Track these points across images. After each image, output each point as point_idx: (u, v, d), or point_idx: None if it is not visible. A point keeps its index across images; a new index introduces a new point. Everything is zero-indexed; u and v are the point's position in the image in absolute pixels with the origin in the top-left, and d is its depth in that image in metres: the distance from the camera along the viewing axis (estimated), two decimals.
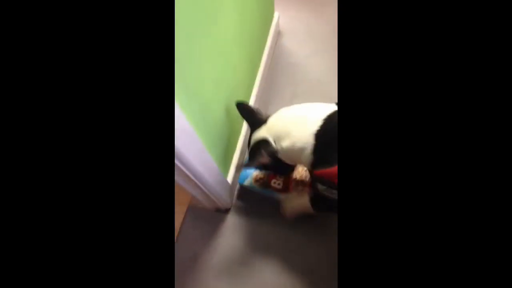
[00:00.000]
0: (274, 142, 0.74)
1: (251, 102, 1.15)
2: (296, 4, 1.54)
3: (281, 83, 1.30)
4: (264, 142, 0.75)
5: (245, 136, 1.12)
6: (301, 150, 0.68)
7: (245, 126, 1.11)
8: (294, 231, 1.01)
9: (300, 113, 0.72)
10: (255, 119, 0.80)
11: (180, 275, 1.00)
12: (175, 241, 1.06)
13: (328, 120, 0.66)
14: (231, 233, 1.06)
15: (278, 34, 1.41)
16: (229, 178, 1.00)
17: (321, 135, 0.66)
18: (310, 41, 1.41)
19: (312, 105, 0.73)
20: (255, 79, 1.18)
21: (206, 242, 1.05)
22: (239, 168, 1.04)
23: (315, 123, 0.67)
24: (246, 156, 0.93)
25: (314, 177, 0.70)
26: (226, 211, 1.08)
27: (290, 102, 1.25)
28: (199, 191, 0.78)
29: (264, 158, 0.75)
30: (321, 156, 0.67)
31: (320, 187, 0.69)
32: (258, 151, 0.74)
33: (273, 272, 0.97)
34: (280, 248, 1.01)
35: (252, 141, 0.79)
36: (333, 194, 0.67)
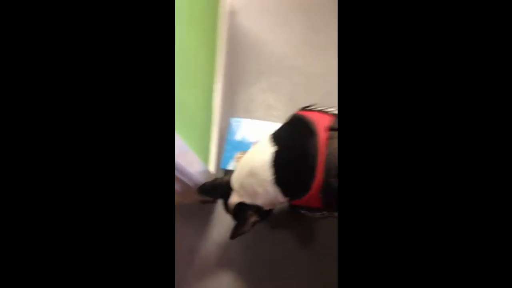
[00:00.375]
0: (252, 203, 0.76)
1: (218, 88, 1.12)
2: None
3: (245, 64, 1.28)
4: (242, 206, 0.77)
5: (220, 123, 1.10)
6: (275, 198, 0.73)
7: (218, 113, 1.09)
8: (282, 209, 1.03)
9: (250, 168, 0.73)
10: (222, 189, 0.81)
11: (179, 271, 1.00)
12: None
13: (275, 165, 0.69)
14: (222, 221, 1.06)
15: (231, 14, 1.38)
16: (211, 167, 0.98)
17: (280, 180, 0.69)
18: (266, 16, 1.39)
19: (251, 154, 0.75)
20: (215, 64, 1.15)
21: (199, 235, 1.05)
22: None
23: (268, 173, 0.70)
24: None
25: (294, 206, 0.77)
26: (213, 200, 1.07)
27: (258, 81, 1.24)
28: (181, 184, 0.76)
29: (253, 219, 0.78)
30: (291, 192, 0.71)
31: (302, 211, 0.77)
32: (242, 216, 0.77)
33: (266, 255, 0.99)
34: (271, 229, 1.02)
35: (231, 207, 0.80)
36: (314, 215, 0.75)
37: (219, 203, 1.07)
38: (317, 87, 1.21)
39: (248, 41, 1.32)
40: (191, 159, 0.72)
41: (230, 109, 1.18)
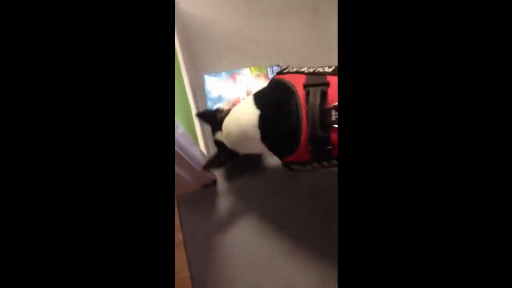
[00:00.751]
0: (231, 148, 0.88)
1: (184, 75, 1.16)
2: None
3: (201, 48, 1.32)
4: (222, 147, 0.89)
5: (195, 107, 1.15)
6: (261, 151, 0.84)
7: (192, 102, 1.14)
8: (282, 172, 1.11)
9: (238, 126, 0.82)
10: (214, 122, 0.92)
11: (200, 256, 1.08)
12: (181, 231, 1.10)
13: (262, 127, 0.78)
14: (228, 199, 1.13)
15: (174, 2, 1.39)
16: (202, 148, 1.04)
17: (268, 140, 0.79)
18: None
19: (238, 112, 0.84)
20: (177, 57, 1.19)
21: (209, 218, 1.12)
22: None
23: (256, 133, 0.78)
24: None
25: (286, 163, 0.83)
26: (214, 183, 1.13)
27: (218, 62, 1.29)
28: (186, 167, 0.81)
29: (227, 162, 0.93)
30: (281, 150, 0.80)
31: (294, 167, 0.84)
32: (219, 155, 0.92)
33: (278, 221, 1.08)
34: (278, 194, 1.11)
35: (215, 139, 0.93)
36: (305, 169, 0.82)
37: (219, 184, 1.13)
38: (274, 52, 1.29)
39: (197, 26, 1.35)
40: (188, 138, 0.77)
41: (202, 95, 1.22)
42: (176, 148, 0.66)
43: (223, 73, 1.22)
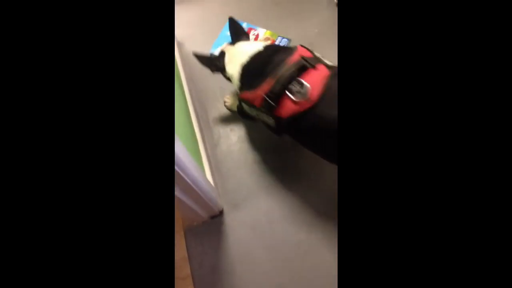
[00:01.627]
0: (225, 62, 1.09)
1: (192, 114, 1.24)
2: (180, 6, 1.62)
3: (207, 85, 1.41)
4: (221, 56, 1.10)
5: (204, 146, 1.21)
6: (234, 74, 1.02)
7: (200, 139, 1.21)
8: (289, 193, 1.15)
9: (241, 48, 1.05)
10: (235, 37, 1.14)
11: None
12: (188, 264, 1.11)
13: (251, 57, 0.98)
14: (235, 229, 1.16)
15: (179, 45, 1.51)
16: (209, 178, 1.08)
17: (245, 67, 0.98)
18: (209, 38, 1.54)
19: (248, 44, 1.07)
20: (185, 93, 1.28)
21: (217, 250, 1.13)
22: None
23: (244, 57, 0.99)
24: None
25: (240, 99, 1.00)
26: (220, 213, 1.16)
27: (221, 95, 1.37)
28: (194, 196, 0.85)
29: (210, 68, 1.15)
30: (245, 81, 0.98)
31: (245, 106, 1.00)
32: (213, 59, 1.14)
33: (286, 248, 1.10)
34: (284, 218, 1.14)
35: (222, 49, 1.14)
36: (252, 112, 0.98)
37: (225, 214, 1.16)
38: None
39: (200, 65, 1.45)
40: (198, 170, 0.82)
41: (209, 131, 1.29)
42: (186, 178, 0.72)
43: (244, 23, 1.42)
